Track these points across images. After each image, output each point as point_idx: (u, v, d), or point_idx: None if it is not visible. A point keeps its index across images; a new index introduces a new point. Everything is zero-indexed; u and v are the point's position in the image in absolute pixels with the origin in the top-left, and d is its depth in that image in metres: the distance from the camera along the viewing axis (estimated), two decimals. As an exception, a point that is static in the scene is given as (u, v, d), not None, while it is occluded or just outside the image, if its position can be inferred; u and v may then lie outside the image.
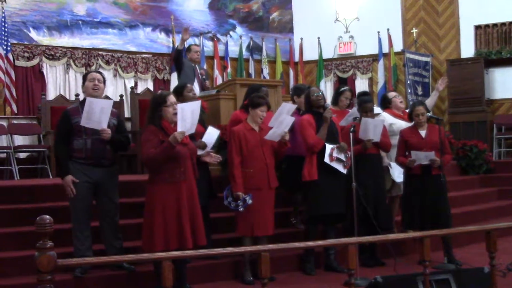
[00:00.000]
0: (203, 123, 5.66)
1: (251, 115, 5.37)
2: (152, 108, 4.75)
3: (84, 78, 5.15)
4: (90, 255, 4.83)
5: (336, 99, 6.47)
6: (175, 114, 4.52)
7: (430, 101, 6.97)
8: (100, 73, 5.29)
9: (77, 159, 4.92)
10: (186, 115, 4.52)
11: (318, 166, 5.51)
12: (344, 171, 5.56)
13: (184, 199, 4.60)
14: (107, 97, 9.18)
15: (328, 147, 5.49)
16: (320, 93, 5.70)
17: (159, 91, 6.77)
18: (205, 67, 10.63)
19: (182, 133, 4.49)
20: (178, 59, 7.63)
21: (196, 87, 7.59)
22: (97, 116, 4.80)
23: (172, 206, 4.56)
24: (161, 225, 4.54)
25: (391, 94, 6.69)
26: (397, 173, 6.11)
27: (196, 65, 7.99)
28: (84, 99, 4.98)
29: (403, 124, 6.18)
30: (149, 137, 4.61)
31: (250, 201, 5.19)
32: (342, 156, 5.52)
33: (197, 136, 5.28)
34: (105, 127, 4.86)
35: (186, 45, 7.99)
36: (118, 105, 9.16)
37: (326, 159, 5.47)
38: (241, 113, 5.70)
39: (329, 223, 5.73)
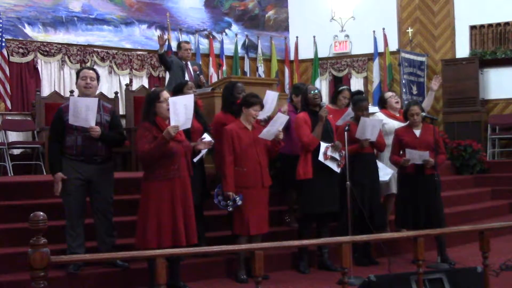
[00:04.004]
0: (202, 120, 5.66)
1: (244, 114, 5.36)
2: (146, 105, 4.74)
3: (77, 75, 5.13)
4: (82, 252, 4.82)
5: (334, 98, 6.47)
6: (169, 109, 4.51)
7: (427, 102, 6.97)
8: (94, 69, 5.25)
9: (69, 156, 4.90)
10: (179, 109, 4.49)
11: (312, 165, 5.52)
12: (337, 170, 5.57)
13: (178, 196, 4.59)
14: (102, 94, 9.24)
15: (323, 145, 5.49)
16: (317, 91, 5.70)
17: (153, 88, 6.75)
18: (200, 62, 10.58)
19: (176, 127, 4.47)
20: (162, 62, 7.62)
21: None
22: (84, 114, 4.78)
23: (166, 203, 4.56)
24: (155, 222, 4.54)
25: (387, 94, 6.69)
26: (382, 173, 6.08)
27: (188, 62, 7.94)
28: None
29: (395, 124, 6.20)
30: (144, 133, 4.60)
31: (240, 202, 5.16)
32: (336, 155, 5.52)
33: (194, 133, 5.27)
34: (93, 125, 4.84)
35: (177, 41, 7.95)
36: (112, 102, 9.16)
37: (320, 157, 5.47)
38: (223, 115, 5.70)
39: (323, 222, 5.74)
